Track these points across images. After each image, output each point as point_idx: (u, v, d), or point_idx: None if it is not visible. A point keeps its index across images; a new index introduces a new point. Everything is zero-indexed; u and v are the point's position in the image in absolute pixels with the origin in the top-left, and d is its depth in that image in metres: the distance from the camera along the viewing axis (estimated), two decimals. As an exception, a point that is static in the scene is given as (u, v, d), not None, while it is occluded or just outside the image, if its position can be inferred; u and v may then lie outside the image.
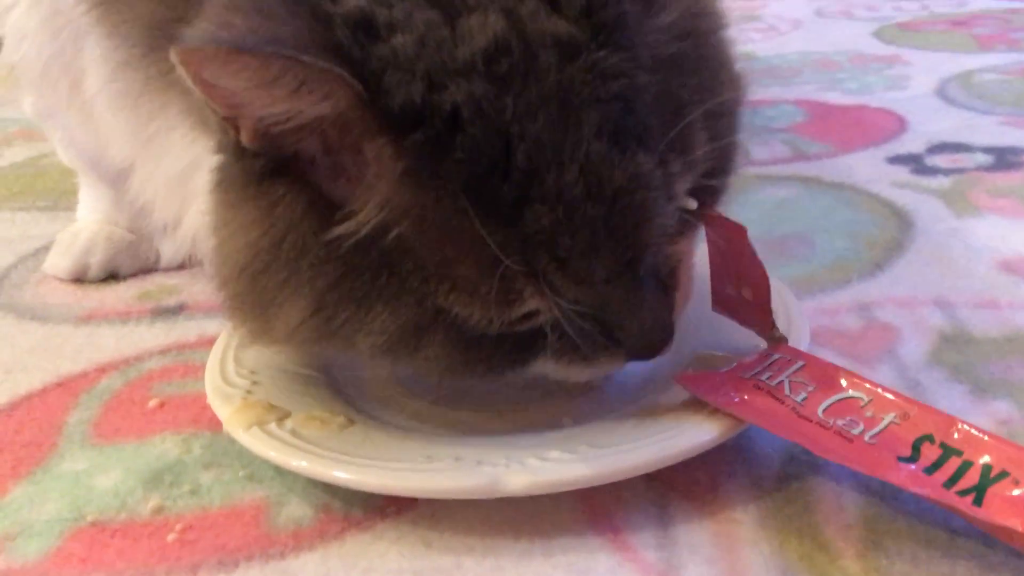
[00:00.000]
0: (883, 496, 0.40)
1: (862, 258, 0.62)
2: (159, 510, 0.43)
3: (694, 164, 0.39)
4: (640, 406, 0.44)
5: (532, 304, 0.37)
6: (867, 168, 0.77)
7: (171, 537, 0.41)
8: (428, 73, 0.35)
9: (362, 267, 0.38)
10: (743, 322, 0.47)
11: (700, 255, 0.48)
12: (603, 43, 0.36)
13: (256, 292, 0.40)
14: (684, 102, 0.38)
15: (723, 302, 0.47)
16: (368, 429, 0.44)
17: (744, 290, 0.46)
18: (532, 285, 0.37)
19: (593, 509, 0.41)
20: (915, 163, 0.77)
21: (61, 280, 0.69)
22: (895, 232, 0.65)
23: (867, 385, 0.43)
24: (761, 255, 0.61)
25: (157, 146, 0.47)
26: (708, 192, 0.41)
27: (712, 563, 0.38)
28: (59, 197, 0.85)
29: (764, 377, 0.43)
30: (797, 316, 0.48)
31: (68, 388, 0.54)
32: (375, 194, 0.37)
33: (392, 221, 0.37)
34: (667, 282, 0.41)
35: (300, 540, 0.41)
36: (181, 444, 0.48)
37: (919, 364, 0.50)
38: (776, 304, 0.48)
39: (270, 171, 0.38)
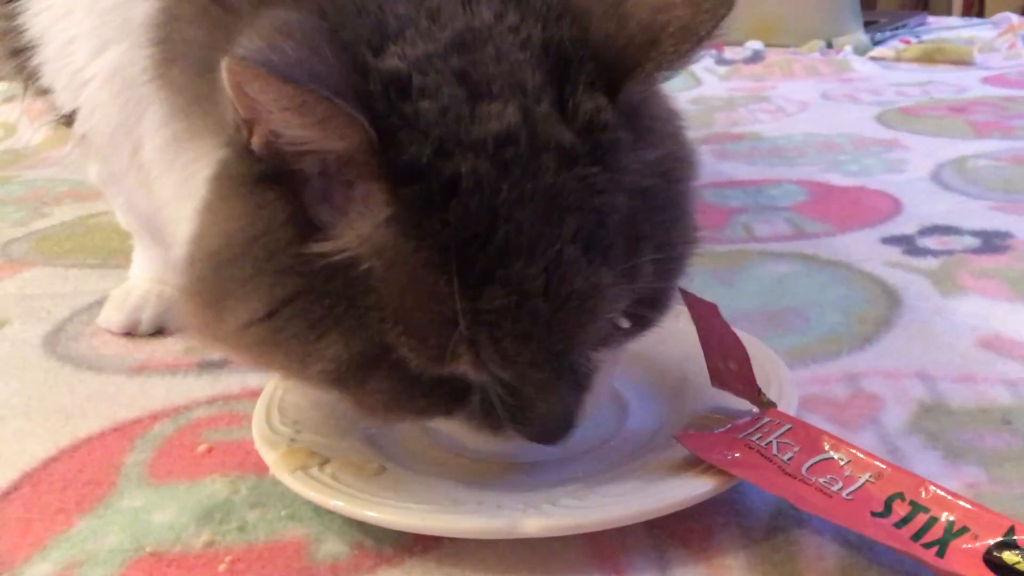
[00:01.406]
0: (859, 547, 0.44)
1: (853, 332, 0.67)
2: (210, 544, 0.48)
3: (635, 292, 0.43)
4: (644, 461, 0.49)
5: (464, 367, 0.41)
6: (862, 247, 0.83)
7: (222, 567, 0.46)
8: (441, 139, 0.39)
9: (325, 290, 0.41)
10: (738, 393, 0.52)
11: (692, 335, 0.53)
12: (596, 160, 0.41)
13: (218, 280, 0.43)
14: (645, 234, 0.43)
15: (719, 378, 0.53)
16: (399, 475, 0.49)
17: (730, 362, 0.52)
18: (469, 352, 0.40)
19: (600, 551, 0.45)
20: (907, 244, 0.83)
21: (113, 333, 0.74)
22: (884, 309, 0.70)
23: (846, 448, 0.48)
24: (759, 326, 0.67)
25: (196, 194, 0.51)
26: (638, 320, 0.46)
27: (704, 602, 0.42)
28: (108, 255, 0.91)
29: (754, 438, 0.48)
30: (787, 384, 0.53)
31: (124, 433, 0.60)
32: (356, 228, 0.40)
33: (365, 256, 0.40)
34: (583, 383, 0.45)
35: (337, 573, 0.46)
36: (229, 485, 0.53)
37: (899, 431, 0.55)
38: (768, 373, 0.53)
39: (267, 176, 0.41)
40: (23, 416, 0.63)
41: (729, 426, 0.49)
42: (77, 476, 0.55)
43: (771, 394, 0.52)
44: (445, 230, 0.39)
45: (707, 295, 0.73)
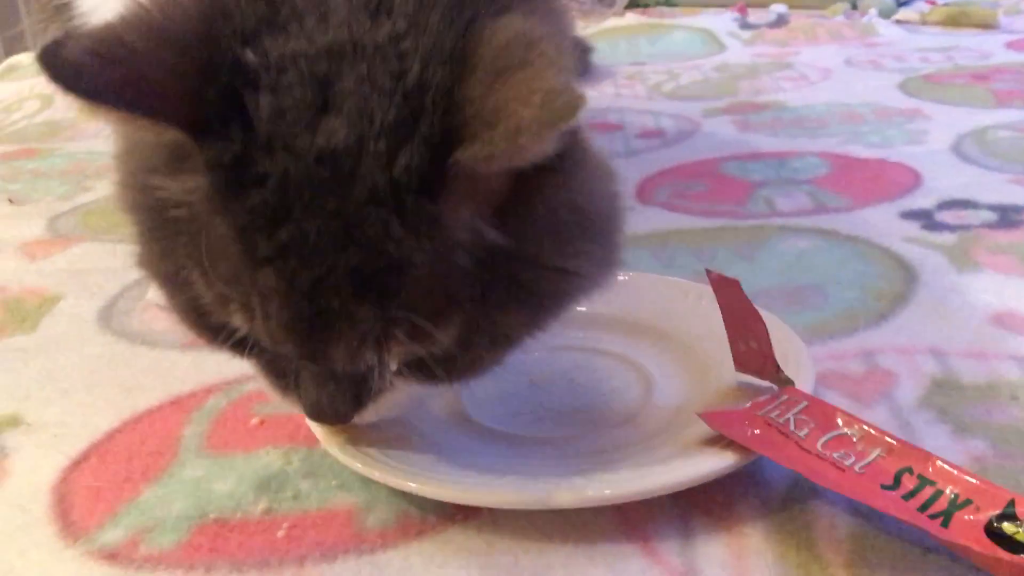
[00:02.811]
0: (869, 518, 0.48)
1: (869, 308, 0.70)
2: (268, 511, 0.52)
3: (422, 348, 0.44)
4: (669, 436, 0.53)
5: (236, 323, 0.45)
6: (881, 222, 0.85)
7: (280, 533, 0.50)
8: (269, 137, 0.41)
9: (160, 211, 0.44)
10: (758, 373, 0.55)
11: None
12: (398, 214, 0.41)
13: (123, 173, 0.49)
14: (456, 303, 0.43)
15: (742, 361, 0.56)
16: (441, 447, 0.53)
17: (751, 342, 0.55)
18: (242, 313, 0.44)
19: (627, 520, 0.49)
20: (925, 219, 0.85)
21: (162, 309, 0.78)
22: (901, 285, 0.73)
23: (859, 424, 0.51)
24: (779, 303, 0.70)
25: None
26: (425, 371, 0.46)
27: (724, 567, 0.46)
28: (152, 230, 0.95)
29: (773, 415, 0.51)
30: (804, 361, 0.56)
31: (180, 406, 0.64)
32: (184, 183, 0.43)
33: (189, 205, 0.43)
34: (362, 391, 0.47)
35: (386, 539, 0.50)
36: (282, 457, 0.57)
37: (911, 407, 0.58)
38: (787, 351, 0.56)
39: None
40: (84, 390, 0.67)
41: (750, 403, 0.52)
42: (140, 447, 0.59)
43: (789, 371, 0.55)
44: (242, 213, 0.41)
45: (729, 271, 0.76)
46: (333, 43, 0.42)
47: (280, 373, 0.48)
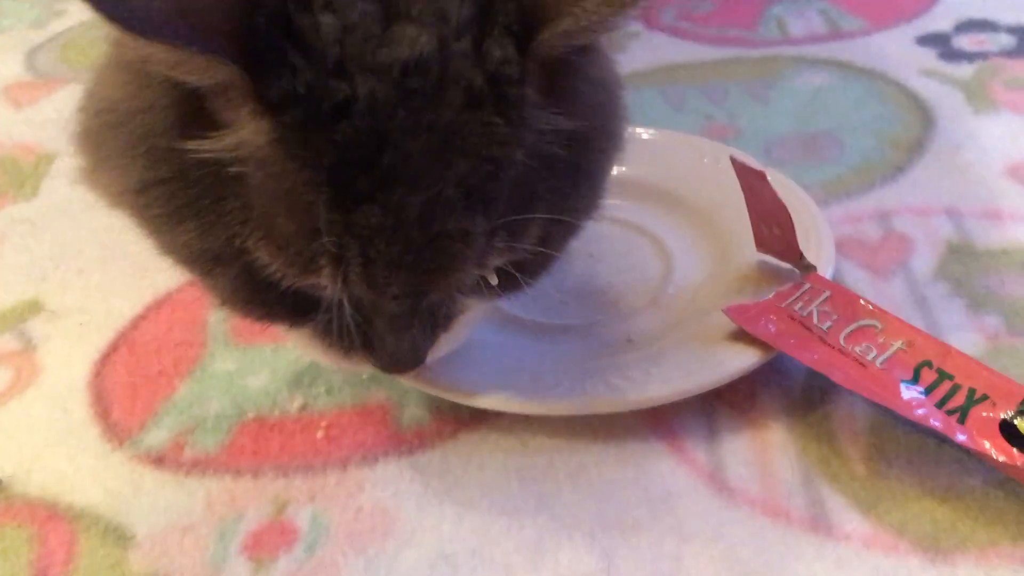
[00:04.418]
0: (886, 409, 0.50)
1: (886, 160, 0.69)
2: (304, 407, 0.54)
3: (514, 251, 0.42)
4: (693, 323, 0.54)
5: (324, 280, 0.40)
6: (897, 50, 0.83)
7: (319, 434, 0.52)
8: (340, 60, 0.37)
9: (192, 181, 0.39)
10: (780, 256, 0.56)
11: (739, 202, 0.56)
12: (500, 112, 0.38)
13: (99, 141, 0.42)
14: (539, 197, 0.41)
15: (762, 242, 0.56)
16: (474, 348, 0.53)
17: (774, 228, 0.55)
18: (332, 266, 0.39)
19: (654, 415, 0.51)
20: (942, 45, 0.82)
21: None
22: (918, 130, 0.72)
23: (881, 314, 0.52)
24: (795, 154, 0.70)
25: None
26: (511, 280, 0.44)
27: (749, 465, 0.48)
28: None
29: (797, 307, 0.52)
30: (825, 242, 0.56)
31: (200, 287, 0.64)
32: (235, 137, 0.38)
33: (240, 161, 0.38)
34: (439, 323, 0.45)
35: (423, 439, 0.52)
36: (311, 348, 0.58)
37: (927, 277, 0.58)
38: (808, 229, 0.57)
39: None
40: (100, 269, 0.67)
41: (774, 294, 0.53)
42: (167, 336, 0.60)
43: (810, 252, 0.55)
44: (329, 149, 0.37)
45: (742, 115, 0.75)
46: None
47: (341, 334, 0.45)
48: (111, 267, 0.67)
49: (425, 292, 0.41)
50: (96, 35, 0.98)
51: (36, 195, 0.76)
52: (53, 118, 0.86)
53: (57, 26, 1.03)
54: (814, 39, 0.86)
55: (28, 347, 0.61)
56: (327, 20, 0.37)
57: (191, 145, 0.38)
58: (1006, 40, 0.82)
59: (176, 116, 0.39)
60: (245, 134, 0.38)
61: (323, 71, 0.37)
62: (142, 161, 0.40)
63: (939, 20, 0.86)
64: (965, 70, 0.79)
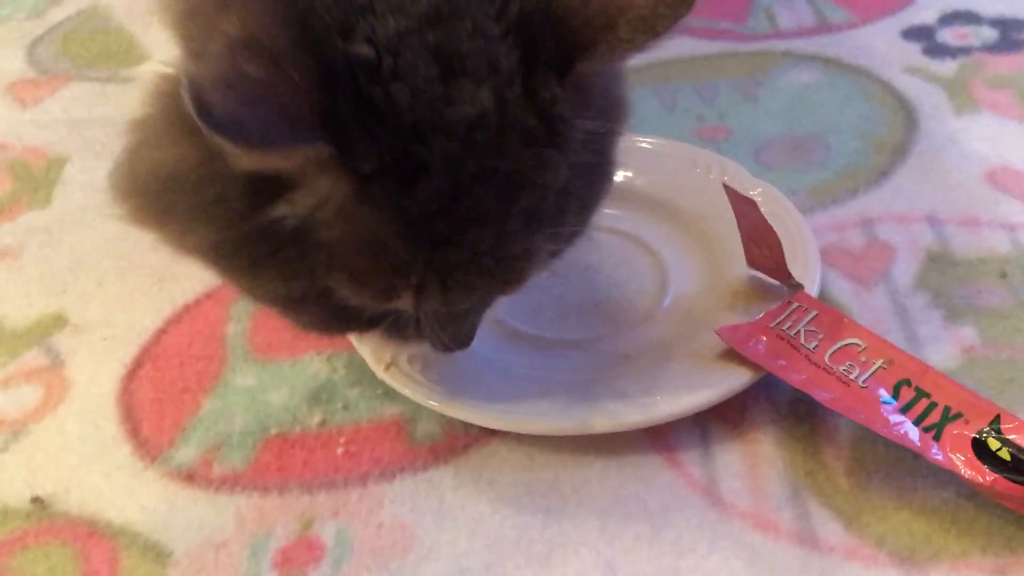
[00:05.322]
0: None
1: (870, 164, 0.72)
2: (323, 423, 0.58)
3: (558, 242, 0.47)
4: (688, 339, 0.57)
5: (404, 305, 0.45)
6: (883, 44, 0.85)
7: (340, 451, 0.56)
8: (414, 124, 0.40)
9: (268, 236, 0.42)
10: (769, 274, 0.59)
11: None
12: (552, 143, 0.43)
13: (163, 202, 0.44)
14: (574, 194, 0.46)
15: (753, 260, 0.59)
16: (483, 366, 0.57)
17: (764, 249, 0.58)
18: (413, 295, 0.44)
19: (653, 431, 0.54)
20: (927, 39, 0.85)
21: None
22: (901, 132, 0.75)
23: (864, 333, 0.55)
24: (781, 159, 0.73)
25: None
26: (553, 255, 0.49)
27: (740, 478, 0.52)
28: (136, 61, 0.93)
29: (785, 327, 0.56)
30: (813, 263, 0.59)
31: (216, 299, 0.67)
32: (313, 197, 0.41)
33: (319, 217, 0.41)
34: (488, 309, 0.52)
35: (436, 454, 0.55)
36: (327, 364, 0.61)
37: (908, 287, 0.62)
38: (797, 250, 0.60)
39: None
40: (120, 280, 0.70)
41: (763, 313, 0.57)
42: (188, 350, 0.63)
43: (797, 269, 0.59)
44: (410, 204, 0.41)
45: (733, 116, 0.78)
46: (428, 9, 0.41)
47: (404, 332, 0.50)
48: (129, 277, 0.70)
49: (491, 300, 0.48)
50: (94, 26, 0.99)
51: (50, 202, 0.78)
52: (60, 118, 0.88)
53: (56, 15, 1.04)
54: (803, 32, 0.88)
55: (56, 363, 0.64)
56: (397, 89, 0.40)
57: (269, 212, 0.41)
58: (988, 34, 0.85)
59: (248, 182, 0.41)
60: (325, 194, 0.41)
61: (400, 136, 0.40)
62: (217, 224, 0.43)
63: (924, 12, 0.89)
64: (948, 67, 0.81)
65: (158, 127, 0.44)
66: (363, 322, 0.49)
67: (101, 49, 0.97)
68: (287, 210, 0.42)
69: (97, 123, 0.86)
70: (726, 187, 0.59)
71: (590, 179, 0.47)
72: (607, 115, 0.47)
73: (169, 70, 0.44)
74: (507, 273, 0.45)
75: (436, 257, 0.43)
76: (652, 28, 0.41)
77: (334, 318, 0.47)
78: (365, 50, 0.40)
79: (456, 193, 0.41)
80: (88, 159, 0.82)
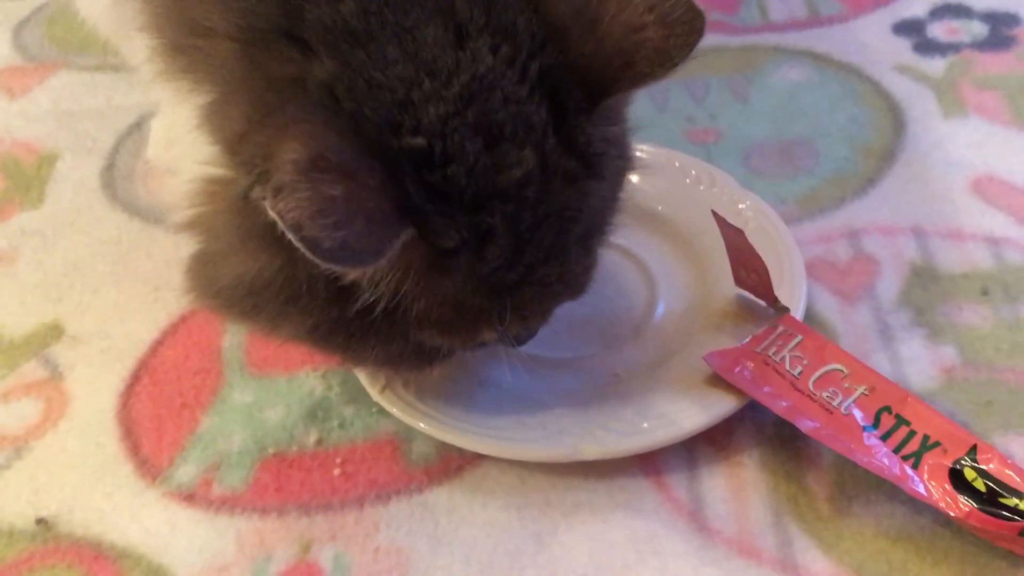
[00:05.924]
0: (849, 447, 0.55)
1: (858, 171, 0.73)
2: (319, 442, 0.59)
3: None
4: (676, 359, 0.59)
5: (487, 340, 0.51)
6: (873, 39, 0.85)
7: (336, 472, 0.57)
8: (474, 198, 0.44)
9: (362, 313, 0.46)
10: (755, 295, 0.60)
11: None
12: (590, 175, 0.48)
13: (252, 305, 0.48)
14: (609, 200, 0.52)
15: (741, 282, 0.61)
16: (476, 387, 0.58)
17: (752, 274, 0.59)
18: (495, 332, 0.50)
19: (642, 455, 0.56)
20: (917, 35, 0.85)
21: (160, 171, 0.79)
22: (889, 137, 0.75)
23: (848, 359, 0.57)
24: (770, 165, 0.73)
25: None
26: None
27: (726, 502, 0.54)
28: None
29: (771, 352, 0.57)
30: (799, 286, 0.60)
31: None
32: (394, 278, 0.45)
33: (404, 290, 0.45)
34: None
35: (431, 476, 0.57)
36: (322, 381, 0.62)
37: (891, 304, 0.63)
38: (784, 272, 0.61)
39: None
40: (115, 288, 0.70)
41: (749, 338, 0.58)
42: (185, 364, 0.64)
43: (783, 292, 0.60)
44: (481, 265, 0.46)
45: (723, 116, 0.79)
46: (461, 89, 0.44)
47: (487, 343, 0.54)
48: (125, 285, 0.70)
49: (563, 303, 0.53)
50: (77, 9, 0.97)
51: (42, 202, 0.78)
52: (49, 110, 0.87)
53: (39, -5, 1.03)
54: (794, 24, 0.88)
55: (55, 375, 0.65)
56: (453, 171, 0.44)
57: (355, 303, 0.45)
58: (979, 29, 0.85)
59: (332, 278, 0.45)
60: (407, 270, 0.45)
61: (466, 211, 0.44)
62: (308, 313, 0.48)
63: (915, 4, 0.88)
64: (937, 66, 0.81)
65: (232, 242, 0.47)
66: (452, 353, 0.53)
67: (86, 34, 0.96)
68: (374, 292, 0.45)
69: (87, 115, 0.86)
70: (715, 214, 0.60)
71: (617, 179, 0.52)
72: (622, 115, 0.52)
73: (213, 171, 0.46)
74: (575, 289, 0.52)
75: (512, 299, 0.48)
76: (669, 59, 0.45)
77: (427, 361, 0.52)
78: (418, 141, 0.43)
79: (519, 245, 0.46)
80: (79, 155, 0.82)
